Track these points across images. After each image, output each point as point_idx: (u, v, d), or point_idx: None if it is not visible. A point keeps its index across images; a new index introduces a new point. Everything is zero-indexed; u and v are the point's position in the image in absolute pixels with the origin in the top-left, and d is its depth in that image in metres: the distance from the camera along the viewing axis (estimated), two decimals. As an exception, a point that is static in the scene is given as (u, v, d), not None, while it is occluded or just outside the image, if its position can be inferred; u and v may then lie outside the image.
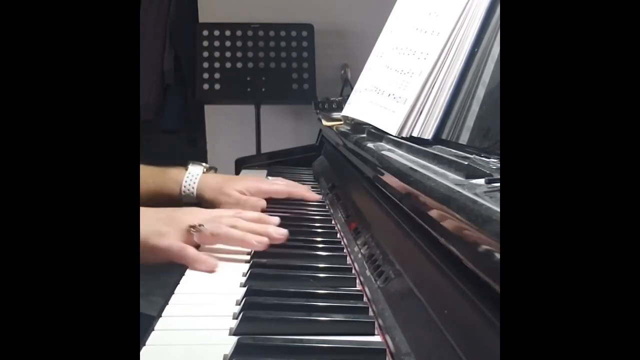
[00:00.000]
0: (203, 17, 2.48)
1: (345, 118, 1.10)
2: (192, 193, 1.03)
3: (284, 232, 0.81)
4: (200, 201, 1.03)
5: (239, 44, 2.24)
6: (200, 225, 0.79)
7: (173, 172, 1.06)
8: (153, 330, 0.56)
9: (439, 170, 0.56)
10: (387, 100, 0.85)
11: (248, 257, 0.78)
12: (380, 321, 0.56)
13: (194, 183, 1.04)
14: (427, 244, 0.53)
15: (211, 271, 0.74)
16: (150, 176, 1.04)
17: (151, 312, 0.63)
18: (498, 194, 0.41)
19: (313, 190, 1.15)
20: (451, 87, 0.74)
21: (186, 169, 1.06)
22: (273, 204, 1.00)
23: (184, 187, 1.04)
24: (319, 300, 0.61)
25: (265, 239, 0.79)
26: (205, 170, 1.07)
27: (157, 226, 0.79)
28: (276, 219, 0.86)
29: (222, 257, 0.79)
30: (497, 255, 0.34)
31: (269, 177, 1.25)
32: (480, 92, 0.70)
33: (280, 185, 1.06)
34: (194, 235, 0.79)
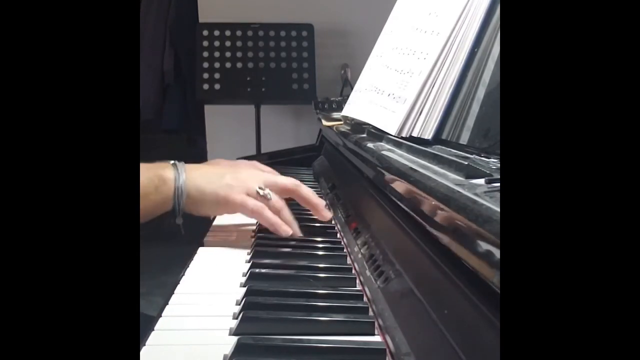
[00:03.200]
0: (203, 17, 2.48)
1: (345, 118, 1.10)
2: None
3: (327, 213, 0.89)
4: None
5: (239, 44, 2.24)
6: (267, 193, 0.84)
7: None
8: (153, 330, 0.56)
9: (439, 170, 0.56)
10: (387, 100, 0.85)
11: (248, 257, 0.78)
12: (380, 321, 0.56)
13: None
14: (427, 244, 0.53)
15: (285, 235, 0.81)
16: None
17: (151, 312, 0.63)
18: (498, 194, 0.41)
19: (313, 191, 1.15)
20: (451, 87, 0.74)
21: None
22: None
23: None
24: (319, 300, 0.61)
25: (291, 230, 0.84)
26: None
27: (225, 179, 0.84)
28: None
29: (222, 257, 0.80)
30: (497, 255, 0.34)
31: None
32: (480, 92, 0.70)
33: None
34: (259, 199, 0.83)
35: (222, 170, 0.89)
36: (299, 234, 0.85)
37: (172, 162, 0.86)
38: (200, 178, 0.84)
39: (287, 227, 0.82)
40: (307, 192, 0.94)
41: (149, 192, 0.81)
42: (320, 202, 0.93)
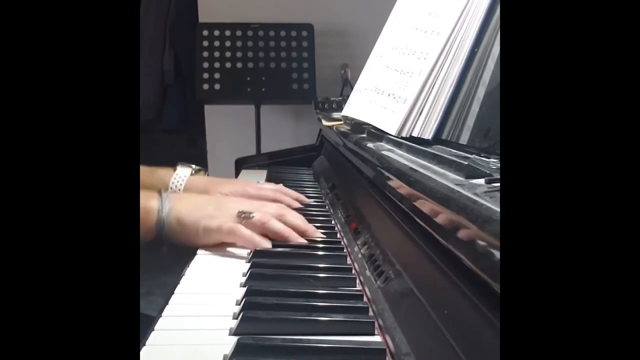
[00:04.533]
0: (203, 17, 2.48)
1: (345, 118, 1.10)
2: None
3: (319, 234, 0.84)
4: None
5: (239, 44, 2.24)
6: (250, 212, 0.82)
7: (161, 172, 1.07)
8: (153, 330, 0.56)
9: (439, 170, 0.56)
10: (387, 100, 0.85)
11: (248, 257, 0.78)
12: (380, 321, 0.56)
13: (181, 185, 1.04)
14: (427, 244, 0.53)
15: (265, 247, 0.78)
16: (141, 175, 1.04)
17: (151, 312, 0.63)
18: (498, 194, 0.41)
19: (313, 191, 1.16)
20: (451, 87, 0.74)
21: (174, 170, 1.07)
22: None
23: (171, 188, 1.04)
24: (319, 300, 0.61)
25: (304, 241, 0.82)
26: (193, 172, 1.08)
27: (207, 210, 0.84)
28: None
29: (222, 257, 0.80)
30: (497, 255, 0.34)
31: (260, 182, 1.23)
32: (480, 92, 0.70)
33: (267, 190, 1.05)
34: (243, 222, 0.82)
35: (207, 200, 0.88)
36: (314, 236, 0.83)
37: (160, 190, 0.86)
38: (183, 208, 0.84)
39: (266, 241, 0.79)
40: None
41: None
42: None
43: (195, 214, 0.83)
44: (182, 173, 1.06)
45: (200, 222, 0.82)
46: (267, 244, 0.79)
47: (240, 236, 0.80)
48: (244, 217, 0.82)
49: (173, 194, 0.86)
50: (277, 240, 0.81)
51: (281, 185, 1.09)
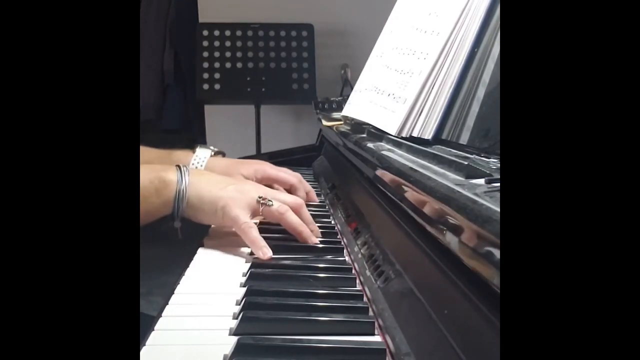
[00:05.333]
0: (203, 17, 2.48)
1: (345, 118, 1.10)
2: None
3: (318, 236, 0.83)
4: None
5: (239, 44, 2.24)
6: (269, 200, 0.82)
7: (179, 154, 1.06)
8: (153, 330, 0.56)
9: (439, 170, 0.56)
10: (387, 100, 0.85)
11: (248, 257, 0.78)
12: (380, 321, 0.56)
13: (201, 166, 1.04)
14: (427, 244, 0.53)
15: (266, 258, 0.75)
16: (156, 158, 1.04)
17: (151, 312, 0.63)
18: (498, 194, 0.41)
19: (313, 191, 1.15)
20: (451, 87, 0.74)
21: (193, 152, 1.06)
22: None
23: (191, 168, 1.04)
24: (319, 300, 0.61)
25: (316, 240, 0.81)
26: (213, 153, 1.07)
27: (229, 191, 0.82)
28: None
29: (222, 257, 0.80)
30: (497, 255, 0.34)
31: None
32: (480, 92, 0.70)
33: (287, 175, 1.05)
34: (261, 208, 0.81)
35: (226, 180, 0.87)
36: (312, 239, 0.82)
37: (177, 164, 0.85)
38: (204, 184, 0.83)
39: (267, 250, 0.76)
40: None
41: (149, 194, 0.80)
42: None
43: (215, 193, 0.81)
44: (202, 154, 1.05)
45: (219, 201, 0.81)
46: (268, 254, 0.76)
47: (249, 237, 0.78)
48: (262, 204, 0.82)
49: (193, 169, 0.84)
50: (289, 231, 0.81)
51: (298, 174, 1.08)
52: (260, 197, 0.82)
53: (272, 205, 0.82)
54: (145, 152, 0.94)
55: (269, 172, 1.03)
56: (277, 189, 0.99)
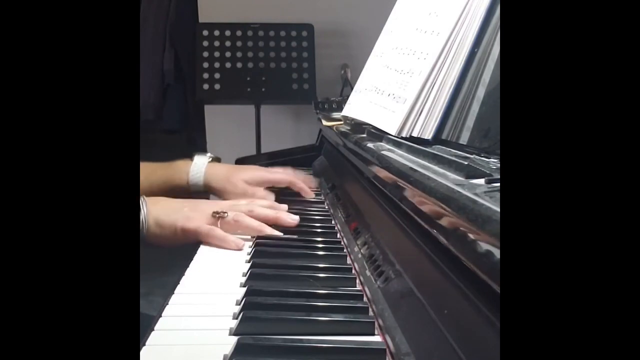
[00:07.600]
0: (203, 17, 2.48)
1: (345, 118, 1.10)
2: (200, 182, 1.07)
3: (295, 217, 0.89)
4: (207, 190, 1.08)
5: (239, 44, 2.24)
6: (223, 212, 0.86)
7: (179, 164, 1.10)
8: (153, 330, 0.56)
9: (439, 170, 0.56)
10: (387, 100, 0.85)
11: (248, 257, 0.78)
12: (380, 321, 0.56)
13: (201, 172, 1.08)
14: (427, 244, 0.53)
15: (238, 250, 0.82)
16: (157, 169, 1.08)
17: (151, 312, 0.63)
18: (498, 194, 0.41)
19: (313, 190, 1.16)
20: (451, 87, 0.74)
21: (192, 160, 1.10)
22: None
23: (191, 176, 1.07)
24: (319, 300, 0.61)
25: (279, 233, 0.86)
26: (210, 159, 1.11)
27: (184, 212, 0.87)
28: (284, 206, 0.94)
29: (222, 257, 0.80)
30: (497, 255, 0.34)
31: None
32: (480, 92, 0.70)
33: (281, 175, 1.11)
34: (218, 221, 0.86)
35: (181, 203, 0.91)
36: (289, 222, 0.88)
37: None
38: (161, 211, 0.86)
39: (238, 241, 0.83)
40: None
41: None
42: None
43: (172, 216, 0.85)
44: (200, 162, 1.09)
45: (177, 223, 0.85)
46: (239, 244, 0.82)
47: (216, 237, 0.83)
48: (218, 217, 0.86)
49: (149, 198, 0.88)
50: (253, 235, 0.85)
51: (289, 168, 1.16)
52: (214, 212, 0.86)
53: (226, 216, 0.86)
54: (145, 167, 0.96)
55: (265, 177, 1.09)
56: (277, 190, 1.05)
